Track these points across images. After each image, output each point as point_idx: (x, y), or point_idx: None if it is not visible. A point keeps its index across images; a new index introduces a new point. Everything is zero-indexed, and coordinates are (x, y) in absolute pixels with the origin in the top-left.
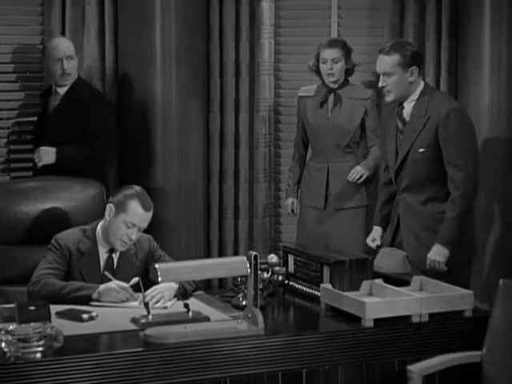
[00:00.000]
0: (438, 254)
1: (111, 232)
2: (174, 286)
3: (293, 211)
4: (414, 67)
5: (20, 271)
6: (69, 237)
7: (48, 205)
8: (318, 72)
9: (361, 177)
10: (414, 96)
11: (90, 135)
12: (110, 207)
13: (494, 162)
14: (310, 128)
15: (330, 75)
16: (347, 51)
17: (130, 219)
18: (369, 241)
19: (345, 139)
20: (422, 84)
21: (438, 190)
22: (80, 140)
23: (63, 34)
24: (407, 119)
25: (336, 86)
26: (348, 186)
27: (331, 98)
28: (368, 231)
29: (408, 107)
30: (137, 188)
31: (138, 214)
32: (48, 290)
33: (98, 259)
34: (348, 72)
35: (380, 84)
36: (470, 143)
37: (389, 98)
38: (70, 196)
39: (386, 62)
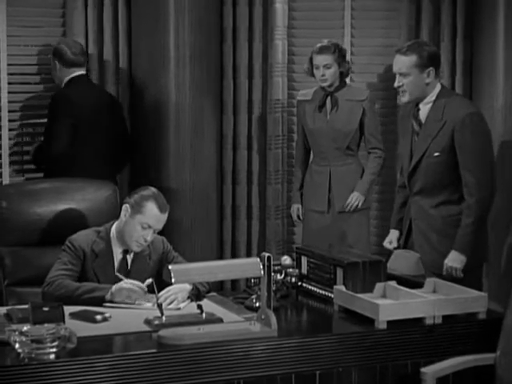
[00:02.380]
0: (454, 260)
1: (127, 233)
2: (188, 287)
3: (298, 217)
4: (430, 68)
5: (33, 272)
6: (83, 238)
7: (61, 206)
8: (313, 76)
9: (358, 203)
10: (431, 98)
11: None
12: (126, 208)
13: (508, 163)
14: (310, 132)
15: (323, 81)
16: (340, 55)
17: (146, 220)
18: (386, 243)
19: (344, 142)
20: (438, 86)
21: (451, 194)
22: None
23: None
24: (423, 121)
25: (332, 89)
26: (351, 189)
27: (329, 101)
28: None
29: (424, 109)
30: (153, 189)
31: (153, 215)
32: (62, 291)
33: (113, 260)
34: (343, 75)
35: (396, 84)
36: (485, 148)
37: (404, 99)
38: (83, 197)
39: (403, 62)
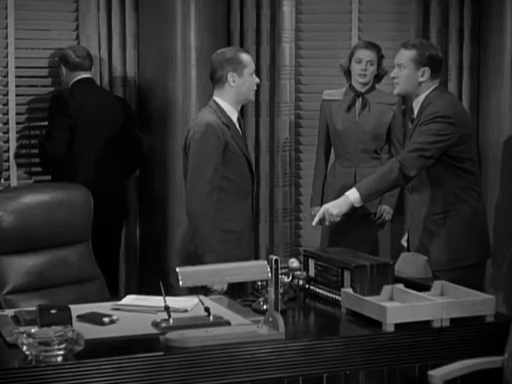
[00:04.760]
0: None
1: (246, 90)
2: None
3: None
4: (426, 68)
5: (22, 280)
6: (213, 119)
7: (42, 211)
8: (347, 72)
9: (388, 217)
10: (420, 99)
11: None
12: (231, 75)
13: None
14: (337, 132)
15: (362, 76)
16: (380, 57)
17: (251, 67)
18: (403, 241)
19: (372, 144)
20: (431, 88)
21: (436, 191)
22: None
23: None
24: None
25: (364, 89)
26: None
27: (359, 101)
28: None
29: (415, 109)
30: (225, 50)
31: (251, 60)
32: (202, 231)
33: (235, 126)
34: (377, 77)
35: (392, 74)
36: (431, 138)
37: (395, 91)
38: (59, 200)
39: (403, 55)
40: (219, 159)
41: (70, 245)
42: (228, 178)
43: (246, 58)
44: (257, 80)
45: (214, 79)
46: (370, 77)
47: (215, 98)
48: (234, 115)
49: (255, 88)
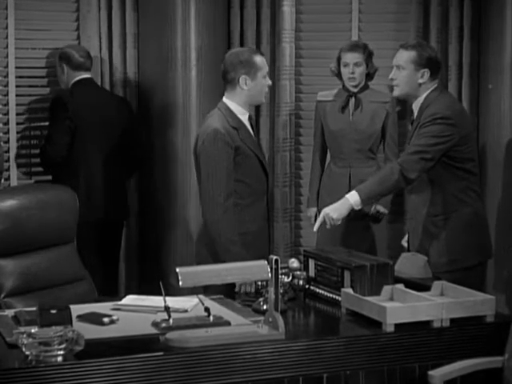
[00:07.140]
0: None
1: (258, 92)
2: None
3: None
4: (426, 70)
5: (16, 282)
6: (222, 124)
7: (34, 211)
8: (338, 75)
9: (383, 217)
10: (420, 100)
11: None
12: (243, 79)
13: None
14: (331, 133)
15: (352, 79)
16: (368, 55)
17: (265, 70)
18: (403, 241)
19: (367, 143)
20: (430, 89)
21: (436, 193)
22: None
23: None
24: None
25: (357, 89)
26: None
27: (352, 101)
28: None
29: (415, 111)
30: (240, 50)
31: (264, 62)
32: (222, 238)
33: (246, 127)
34: (369, 76)
35: (390, 75)
36: (432, 140)
37: (395, 93)
38: (49, 201)
39: (402, 56)
40: (231, 165)
41: (60, 245)
42: (242, 182)
43: (259, 60)
44: (269, 82)
45: (225, 80)
46: (359, 78)
47: (225, 99)
48: (243, 116)
49: (267, 90)
